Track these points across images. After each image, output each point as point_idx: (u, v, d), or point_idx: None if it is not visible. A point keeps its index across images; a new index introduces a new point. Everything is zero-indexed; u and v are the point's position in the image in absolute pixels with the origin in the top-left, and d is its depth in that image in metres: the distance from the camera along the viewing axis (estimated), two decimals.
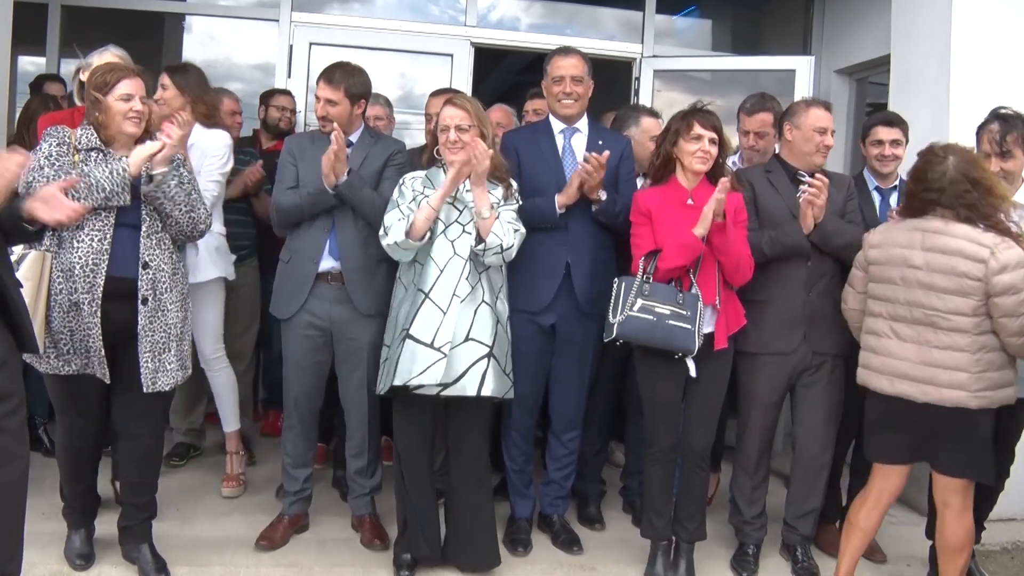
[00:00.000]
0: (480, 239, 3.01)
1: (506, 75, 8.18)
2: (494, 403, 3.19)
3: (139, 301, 2.84)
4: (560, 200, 3.27)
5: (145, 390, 2.87)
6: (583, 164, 3.19)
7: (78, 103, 3.53)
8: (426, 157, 3.29)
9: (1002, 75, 4.04)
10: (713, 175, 3.13)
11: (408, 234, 2.99)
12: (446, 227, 3.07)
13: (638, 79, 5.59)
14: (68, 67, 5.55)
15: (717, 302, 3.11)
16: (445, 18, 5.76)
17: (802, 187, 3.24)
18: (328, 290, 3.28)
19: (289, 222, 3.33)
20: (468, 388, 2.99)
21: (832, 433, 3.41)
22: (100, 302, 2.79)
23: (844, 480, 3.71)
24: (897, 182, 3.69)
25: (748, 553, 3.41)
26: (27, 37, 4.96)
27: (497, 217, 3.02)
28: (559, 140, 3.44)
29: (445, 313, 2.99)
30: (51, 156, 2.81)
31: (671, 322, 2.98)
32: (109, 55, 3.45)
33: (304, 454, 3.43)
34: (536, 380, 3.41)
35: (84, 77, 3.25)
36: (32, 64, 5.62)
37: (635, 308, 2.99)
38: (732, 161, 3.83)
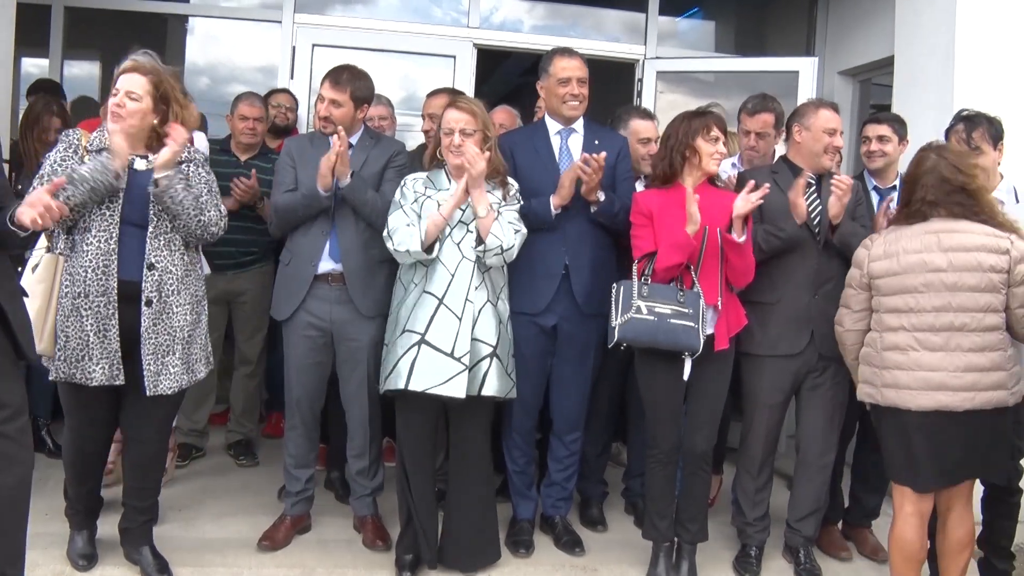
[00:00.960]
0: (480, 240, 3.01)
1: (509, 76, 8.18)
2: (495, 403, 3.20)
3: (143, 303, 2.82)
4: (555, 201, 3.26)
5: (148, 393, 2.85)
6: (580, 165, 3.18)
7: None
8: (427, 157, 3.29)
9: (1006, 76, 4.04)
10: (712, 177, 3.17)
11: (423, 243, 2.99)
12: (451, 230, 3.07)
13: (641, 80, 5.58)
14: (71, 70, 5.58)
15: (719, 303, 3.10)
16: (448, 19, 5.76)
17: (810, 189, 3.26)
18: (328, 291, 3.28)
19: (285, 223, 3.34)
20: (471, 387, 3.00)
21: (835, 435, 3.40)
22: (117, 304, 2.78)
23: (844, 481, 3.70)
24: (897, 181, 3.70)
25: (750, 555, 3.41)
26: (30, 39, 4.97)
27: (496, 218, 3.02)
28: (555, 141, 3.43)
29: (460, 320, 3.00)
30: (55, 163, 2.81)
31: (673, 321, 2.98)
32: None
33: (306, 455, 3.43)
34: (537, 381, 3.40)
35: None
36: (35, 66, 5.62)
37: (636, 310, 2.99)
38: (732, 162, 3.83)
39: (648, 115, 3.92)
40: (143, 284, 2.82)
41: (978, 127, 3.30)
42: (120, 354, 2.81)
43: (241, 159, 4.17)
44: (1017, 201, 3.40)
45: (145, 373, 2.85)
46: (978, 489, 3.05)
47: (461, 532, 3.20)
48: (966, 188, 2.76)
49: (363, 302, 3.27)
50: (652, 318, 2.98)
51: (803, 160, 3.36)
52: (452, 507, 3.22)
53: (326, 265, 3.27)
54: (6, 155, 3.94)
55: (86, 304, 2.78)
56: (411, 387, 2.98)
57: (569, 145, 3.42)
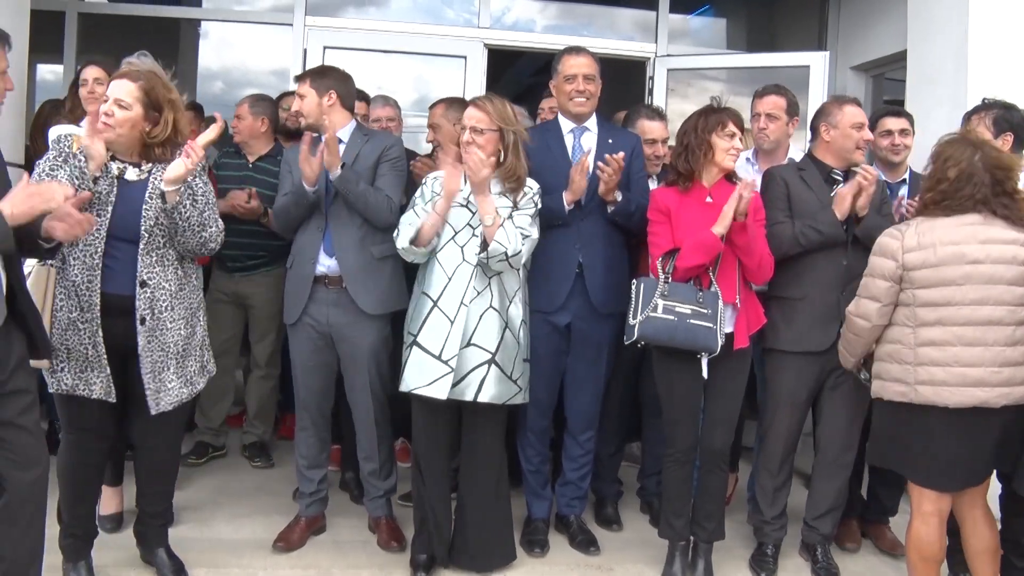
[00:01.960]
0: (484, 246, 3.01)
1: (520, 77, 8.19)
2: (506, 405, 3.18)
3: (136, 320, 2.75)
4: (568, 197, 3.25)
5: (152, 413, 2.81)
6: (599, 164, 3.17)
7: None
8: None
9: (1020, 70, 3.99)
10: (729, 174, 3.14)
11: (414, 241, 3.00)
12: (456, 232, 3.07)
13: (652, 78, 5.58)
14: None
15: (737, 301, 3.09)
16: (459, 20, 5.78)
17: (836, 186, 3.26)
18: (325, 294, 3.28)
19: (285, 225, 3.39)
20: (467, 393, 3.02)
21: (856, 434, 3.36)
22: (100, 320, 2.71)
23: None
24: (907, 175, 3.67)
25: (767, 553, 3.39)
26: (44, 45, 5.01)
27: (502, 224, 2.99)
28: (568, 140, 3.43)
29: (452, 322, 3.01)
30: (43, 172, 2.70)
31: (692, 321, 2.96)
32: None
33: (317, 455, 3.44)
34: (551, 380, 3.40)
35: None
36: (50, 72, 5.67)
37: (656, 309, 2.97)
38: (746, 157, 3.80)
39: (657, 115, 3.84)
40: (136, 302, 2.74)
41: (975, 114, 3.39)
42: (109, 371, 2.75)
43: (250, 161, 4.19)
44: None
45: (147, 392, 2.79)
46: (995, 486, 3.01)
47: (475, 532, 3.20)
48: (1013, 192, 2.72)
49: (366, 300, 3.26)
50: (672, 318, 2.96)
51: (832, 157, 3.34)
52: (465, 507, 3.21)
53: (325, 263, 3.26)
54: (20, 159, 3.99)
55: (81, 318, 2.73)
56: (401, 387, 3.03)
57: (582, 143, 3.42)
